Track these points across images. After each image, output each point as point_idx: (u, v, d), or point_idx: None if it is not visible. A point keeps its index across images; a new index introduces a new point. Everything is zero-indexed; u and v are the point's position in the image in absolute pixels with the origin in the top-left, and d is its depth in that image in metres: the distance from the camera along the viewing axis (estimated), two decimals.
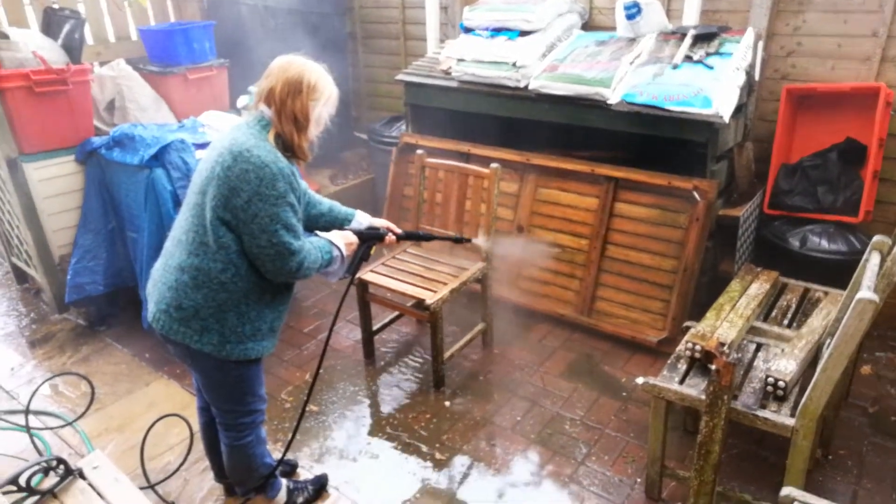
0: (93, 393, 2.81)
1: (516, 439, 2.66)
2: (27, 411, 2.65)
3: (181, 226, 1.90)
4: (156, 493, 2.32)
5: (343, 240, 2.08)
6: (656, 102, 2.96)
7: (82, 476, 2.31)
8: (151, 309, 1.92)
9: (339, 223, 2.23)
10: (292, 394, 2.95)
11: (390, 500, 2.37)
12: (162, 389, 3.01)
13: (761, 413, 2.01)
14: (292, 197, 1.82)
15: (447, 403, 2.88)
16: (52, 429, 2.73)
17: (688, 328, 2.52)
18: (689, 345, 2.28)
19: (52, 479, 2.25)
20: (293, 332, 3.44)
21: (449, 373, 3.07)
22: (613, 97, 3.11)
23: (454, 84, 3.67)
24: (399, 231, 2.32)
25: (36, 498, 2.18)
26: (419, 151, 3.26)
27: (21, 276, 3.86)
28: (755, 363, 2.29)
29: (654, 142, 3.38)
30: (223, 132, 1.93)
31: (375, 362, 3.20)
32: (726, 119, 2.83)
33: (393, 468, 2.52)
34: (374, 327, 3.23)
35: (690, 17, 3.38)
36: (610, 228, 3.29)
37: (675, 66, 3.08)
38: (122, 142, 3.18)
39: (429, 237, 2.47)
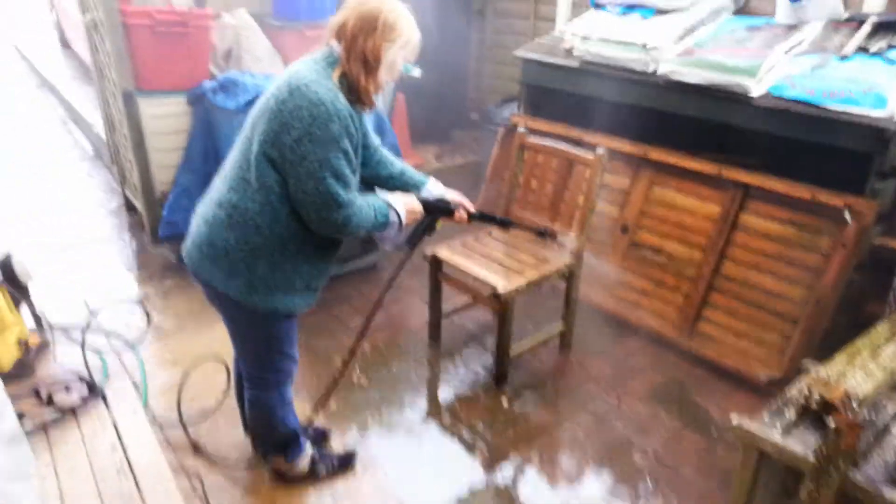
0: (148, 323, 2.88)
1: (573, 457, 2.31)
2: (85, 328, 2.69)
3: (230, 159, 1.78)
4: (185, 431, 2.25)
5: (405, 205, 1.88)
6: (812, 98, 2.46)
7: (105, 401, 2.32)
8: (187, 244, 1.82)
9: (410, 188, 2.03)
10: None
11: (419, 489, 2.14)
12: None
13: (889, 492, 1.53)
14: (346, 143, 1.64)
15: (505, 404, 2.58)
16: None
17: (807, 368, 2.04)
18: (805, 390, 1.82)
19: (75, 398, 2.27)
20: (366, 300, 3.29)
21: (515, 371, 2.77)
22: (757, 89, 2.63)
23: (575, 64, 3.33)
24: (472, 209, 2.08)
25: (57, 414, 2.21)
26: (521, 129, 2.97)
27: (131, 207, 4.07)
28: (894, 430, 1.78)
29: (800, 150, 2.85)
30: (288, 68, 1.78)
31: (441, 346, 2.97)
32: None
33: (431, 458, 2.29)
34: (446, 310, 3.01)
35: (874, 2, 2.79)
36: (730, 242, 2.81)
37: (844, 58, 2.54)
38: (227, 87, 3.19)
39: (507, 222, 2.21)
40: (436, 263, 2.81)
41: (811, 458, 1.60)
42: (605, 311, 3.12)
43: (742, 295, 2.75)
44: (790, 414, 1.83)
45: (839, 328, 2.59)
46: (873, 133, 2.39)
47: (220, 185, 1.77)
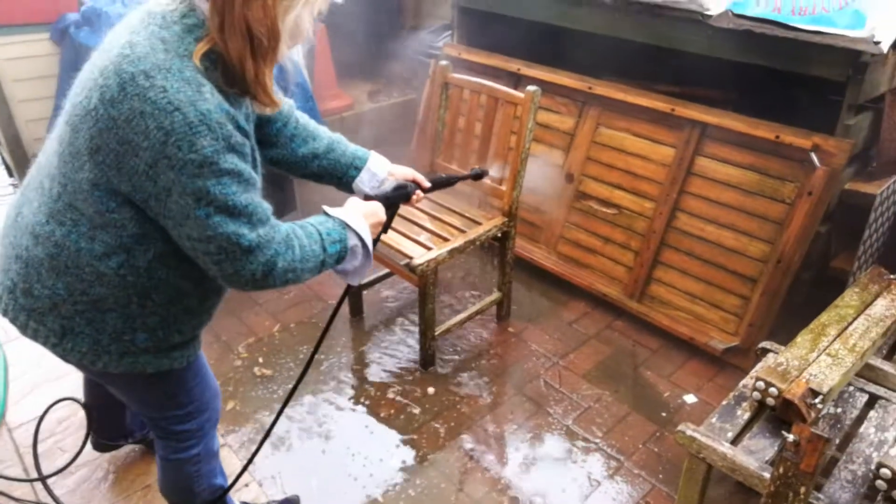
0: None
1: (505, 451, 2.02)
2: None
3: (45, 160, 1.19)
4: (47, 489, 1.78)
5: (368, 218, 1.33)
6: (778, 16, 2.05)
7: None
8: None
9: (342, 171, 1.49)
10: (251, 350, 2.43)
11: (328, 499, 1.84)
12: None
13: None
14: (232, 159, 1.07)
15: (431, 390, 2.27)
16: None
17: (765, 352, 1.74)
18: (760, 384, 1.51)
19: None
20: None
21: (446, 349, 2.44)
22: (716, 6, 2.21)
23: None
24: (427, 184, 1.55)
25: None
26: (442, 63, 2.51)
27: (10, 170, 3.54)
28: (862, 430, 1.50)
29: (765, 81, 2.46)
30: (123, 22, 1.15)
31: (364, 322, 2.62)
32: (885, 47, 1.90)
33: (334, 463, 1.97)
34: (369, 279, 2.64)
35: None
36: (685, 191, 2.45)
37: None
38: (90, 19, 2.65)
39: (453, 180, 1.70)
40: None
41: (767, 478, 1.31)
42: (548, 272, 2.79)
43: (697, 252, 2.42)
44: (743, 413, 1.53)
45: (803, 286, 2.30)
46: (849, 58, 2.01)
47: (33, 198, 1.19)
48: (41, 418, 1.79)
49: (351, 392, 2.26)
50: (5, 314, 1.23)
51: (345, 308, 2.64)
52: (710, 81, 2.75)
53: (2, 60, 2.79)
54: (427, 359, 2.34)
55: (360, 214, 1.31)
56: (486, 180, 2.40)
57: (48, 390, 2.18)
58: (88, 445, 1.82)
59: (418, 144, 3.45)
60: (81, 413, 1.86)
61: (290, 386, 2.21)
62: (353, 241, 1.27)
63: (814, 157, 2.14)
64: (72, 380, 2.19)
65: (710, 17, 2.21)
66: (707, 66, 2.52)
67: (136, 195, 1.08)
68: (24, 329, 1.21)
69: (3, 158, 3.54)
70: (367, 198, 1.40)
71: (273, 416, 2.01)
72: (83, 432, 1.79)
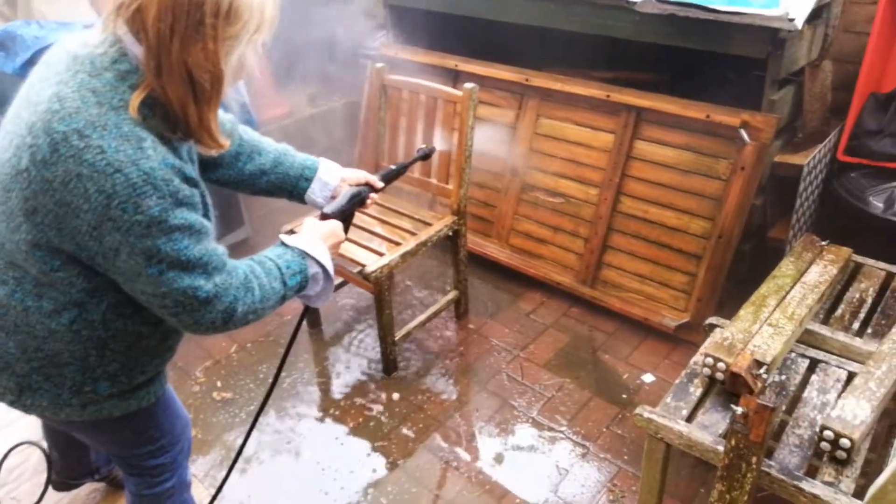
0: None
1: (471, 454, 2.04)
2: None
3: None
4: None
5: (326, 240, 1.29)
6: (699, 0, 2.11)
7: None
8: None
9: (293, 183, 1.44)
10: (209, 373, 2.38)
11: None
12: None
13: (808, 486, 1.32)
14: (183, 213, 1.01)
15: (395, 396, 2.27)
16: None
17: (712, 327, 1.80)
18: (709, 360, 1.57)
19: None
20: None
21: (407, 353, 2.45)
22: None
23: None
24: (380, 184, 1.50)
25: None
26: (379, 66, 2.50)
27: None
28: (806, 394, 1.57)
29: (692, 62, 2.54)
30: (49, 57, 1.08)
31: (323, 333, 2.60)
32: (799, 24, 1.97)
33: (304, 479, 1.96)
34: None
35: None
36: (626, 175, 2.51)
37: None
38: (4, 43, 2.51)
39: (403, 168, 1.64)
40: None
41: (721, 451, 1.36)
42: (502, 265, 2.82)
43: (643, 233, 2.49)
44: (696, 390, 1.59)
45: (745, 258, 2.39)
46: (767, 35, 2.09)
47: None
48: None
49: (317, 405, 2.25)
50: None
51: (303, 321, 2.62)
52: (642, 66, 2.82)
53: None
54: (389, 364, 2.34)
55: (317, 239, 1.27)
56: (432, 179, 2.42)
57: (7, 433, 2.09)
58: (50, 492, 1.76)
59: (362, 147, 3.43)
60: (37, 456, 1.80)
61: (253, 408, 2.19)
62: (313, 269, 1.25)
63: (743, 133, 2.22)
64: (26, 422, 2.11)
65: (635, 3, 2.26)
66: (638, 50, 2.59)
67: (82, 253, 1.02)
68: None
69: None
70: (324, 216, 1.36)
71: (239, 440, 1.99)
72: (41, 478, 1.73)
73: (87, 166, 0.95)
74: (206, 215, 1.11)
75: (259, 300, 1.15)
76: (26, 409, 1.17)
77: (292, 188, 1.45)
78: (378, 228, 2.37)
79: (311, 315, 2.59)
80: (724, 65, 2.56)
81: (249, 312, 1.14)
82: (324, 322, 2.62)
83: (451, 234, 2.40)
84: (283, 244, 1.25)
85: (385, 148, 2.56)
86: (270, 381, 1.48)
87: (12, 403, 1.17)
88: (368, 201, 1.46)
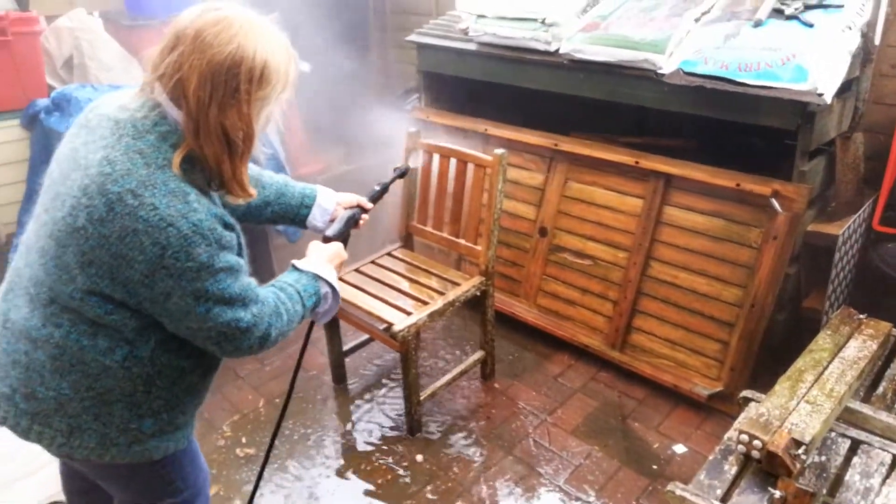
0: None
1: None
2: None
3: (30, 267, 1.18)
4: None
5: (332, 261, 1.43)
6: (726, 73, 2.15)
7: None
8: None
9: (294, 212, 1.58)
10: (236, 428, 2.38)
11: None
12: None
13: None
14: (226, 256, 1.14)
15: (419, 457, 2.23)
16: None
17: (747, 401, 1.76)
18: (744, 437, 1.53)
19: None
20: None
21: (432, 413, 2.42)
22: (668, 66, 2.31)
23: (472, 47, 2.95)
24: (369, 204, 1.67)
25: None
26: (412, 130, 2.58)
27: None
28: (848, 477, 1.51)
29: (722, 132, 2.56)
30: (88, 120, 1.17)
31: (348, 390, 2.59)
32: (828, 98, 1.99)
33: None
34: (351, 345, 2.62)
35: None
36: (656, 240, 2.51)
37: (758, 24, 2.24)
38: (60, 104, 2.67)
39: (385, 187, 1.77)
40: None
41: None
42: (530, 325, 2.80)
43: (673, 299, 2.47)
44: (730, 468, 1.54)
45: (779, 327, 2.35)
46: (796, 109, 2.11)
47: (21, 304, 1.18)
48: None
49: (340, 462, 2.22)
50: (4, 422, 1.22)
51: (328, 376, 2.62)
52: (670, 132, 2.85)
53: None
54: (414, 425, 2.32)
55: (325, 261, 1.42)
56: (461, 240, 2.45)
57: (24, 486, 2.10)
58: None
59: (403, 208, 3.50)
60: None
61: (276, 465, 2.18)
62: (324, 289, 1.38)
63: (774, 202, 2.22)
64: (47, 473, 2.12)
65: (664, 74, 2.31)
66: (666, 116, 2.62)
67: (131, 300, 1.12)
68: (26, 434, 1.21)
69: None
70: (326, 239, 1.51)
71: (261, 500, 1.98)
72: None
73: (142, 222, 1.05)
74: (240, 254, 1.23)
75: (286, 323, 1.27)
76: (72, 451, 1.21)
77: (294, 216, 1.59)
78: (405, 286, 2.39)
79: (336, 370, 2.59)
80: (753, 132, 2.58)
81: (280, 335, 1.27)
82: (349, 378, 2.62)
83: (478, 294, 2.40)
84: (297, 269, 1.38)
85: (415, 208, 2.61)
86: (279, 415, 1.48)
87: (61, 447, 1.21)
88: (361, 222, 1.63)
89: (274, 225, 1.63)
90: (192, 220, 1.07)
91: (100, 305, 1.12)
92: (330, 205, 1.60)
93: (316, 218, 1.59)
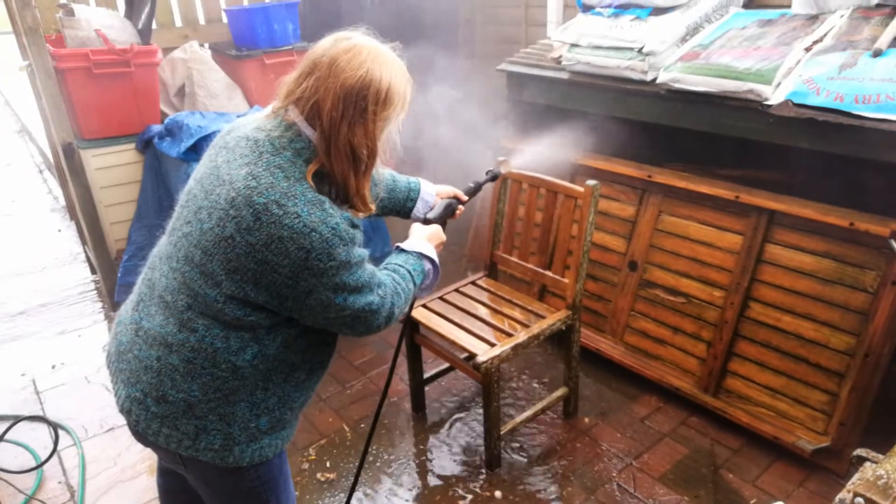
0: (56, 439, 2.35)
1: None
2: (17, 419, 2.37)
3: (165, 277, 1.28)
4: None
5: (432, 241, 1.58)
6: (841, 105, 2.02)
7: None
8: (119, 393, 1.33)
9: (401, 205, 1.71)
10: (322, 452, 2.40)
11: None
12: None
13: None
14: (358, 251, 1.26)
15: (498, 494, 2.18)
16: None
17: (861, 460, 1.60)
18: (859, 500, 1.39)
19: None
20: (341, 362, 2.92)
21: (512, 448, 2.37)
22: (775, 96, 2.20)
23: (564, 76, 2.93)
24: (465, 197, 1.79)
25: None
26: (500, 159, 2.56)
27: (93, 267, 3.77)
28: None
29: (833, 167, 2.40)
30: (227, 141, 1.28)
31: (426, 418, 2.58)
32: None
33: None
34: (431, 373, 2.62)
35: None
36: (756, 279, 2.37)
37: (878, 54, 2.09)
38: (172, 130, 2.87)
39: (480, 185, 1.89)
40: (412, 325, 2.42)
41: None
42: (616, 363, 2.70)
43: (775, 343, 2.31)
44: None
45: (894, 382, 2.14)
46: None
47: (155, 311, 1.28)
48: None
49: (417, 494, 2.20)
50: (137, 425, 1.31)
51: (407, 404, 2.62)
52: (772, 165, 2.70)
53: (94, 170, 3.03)
54: (493, 459, 2.27)
55: (426, 240, 1.55)
56: (548, 272, 2.41)
57: (125, 490, 2.21)
58: None
59: (474, 235, 3.50)
60: None
61: (357, 493, 2.18)
62: (427, 265, 1.51)
63: (893, 243, 2.04)
64: (148, 479, 2.22)
65: (770, 106, 2.20)
66: (767, 149, 2.48)
67: (272, 301, 1.22)
68: (156, 436, 1.29)
69: (88, 257, 3.78)
70: (426, 221, 1.65)
71: None
72: None
73: (287, 229, 1.15)
74: (363, 245, 1.35)
75: (403, 301, 1.41)
76: (197, 453, 1.27)
77: (400, 209, 1.72)
78: (488, 317, 2.36)
79: (415, 398, 2.58)
80: (866, 167, 2.40)
81: (399, 312, 1.40)
82: (428, 406, 2.60)
83: (564, 328, 2.34)
84: (403, 250, 1.51)
85: (501, 237, 2.59)
86: (363, 449, 1.47)
87: (187, 449, 1.28)
88: (458, 211, 1.75)
89: (380, 216, 1.76)
90: (330, 225, 1.18)
91: (239, 308, 1.22)
92: (431, 197, 1.73)
93: (419, 210, 1.72)
